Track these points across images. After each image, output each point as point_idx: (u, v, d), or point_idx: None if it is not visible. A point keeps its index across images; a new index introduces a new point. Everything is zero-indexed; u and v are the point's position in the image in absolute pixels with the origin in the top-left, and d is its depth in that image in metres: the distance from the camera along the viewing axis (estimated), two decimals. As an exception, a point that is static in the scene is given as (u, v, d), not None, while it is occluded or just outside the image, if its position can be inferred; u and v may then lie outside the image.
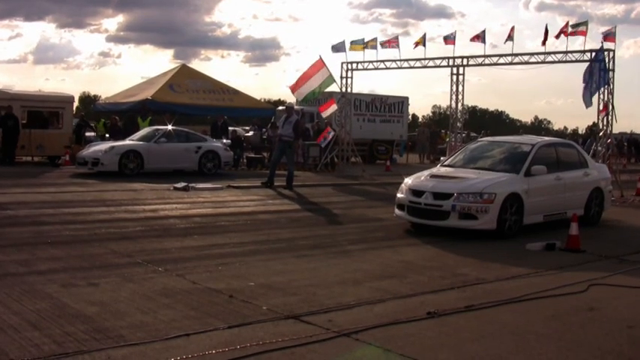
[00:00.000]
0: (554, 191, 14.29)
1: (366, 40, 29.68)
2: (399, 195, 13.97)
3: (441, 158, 16.26)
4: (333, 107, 28.69)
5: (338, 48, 29.75)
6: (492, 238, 12.73)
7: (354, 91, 32.41)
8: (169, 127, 25.57)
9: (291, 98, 31.05)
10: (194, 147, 24.51)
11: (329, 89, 28.17)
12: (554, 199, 14.29)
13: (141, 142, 23.77)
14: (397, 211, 13.96)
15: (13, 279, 8.38)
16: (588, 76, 21.43)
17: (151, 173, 22.57)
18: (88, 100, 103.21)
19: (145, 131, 25.37)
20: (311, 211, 16.29)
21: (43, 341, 6.09)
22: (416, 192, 13.41)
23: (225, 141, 27.35)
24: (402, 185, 14.04)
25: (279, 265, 9.94)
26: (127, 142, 24.29)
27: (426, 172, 14.39)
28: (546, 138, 17.32)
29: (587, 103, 21.36)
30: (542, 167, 13.81)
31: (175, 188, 18.83)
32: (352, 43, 29.81)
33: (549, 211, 14.22)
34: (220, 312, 7.29)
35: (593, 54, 22.49)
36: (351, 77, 30.47)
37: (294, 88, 26.37)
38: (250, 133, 34.64)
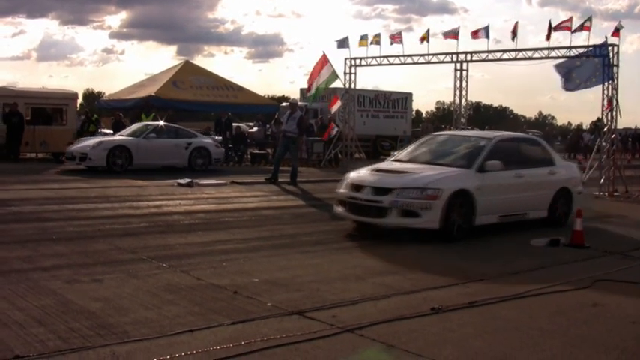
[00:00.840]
0: (513, 190, 13.04)
1: (369, 36, 29.69)
2: (339, 190, 12.90)
3: (393, 153, 15.25)
4: (338, 103, 28.76)
5: (342, 44, 29.78)
6: (495, 233, 12.65)
7: (358, 86, 32.43)
8: (161, 122, 25.53)
9: (294, 94, 31.14)
10: (184, 143, 24.46)
11: (333, 85, 28.25)
12: (513, 199, 13.08)
13: (130, 138, 23.75)
14: (336, 208, 12.92)
15: (18, 275, 8.39)
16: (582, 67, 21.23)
17: (145, 170, 22.56)
18: (92, 96, 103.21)
19: (135, 127, 25.41)
20: (315, 207, 16.29)
21: (48, 337, 6.11)
22: (356, 187, 12.38)
23: (216, 137, 27.27)
24: (344, 180, 13.01)
25: (283, 261, 9.94)
26: (116, 137, 24.35)
27: (372, 166, 13.48)
28: (508, 133, 16.38)
29: (570, 86, 21.03)
30: (496, 163, 12.53)
31: (179, 184, 18.86)
32: (361, 38, 29.88)
33: (506, 212, 13.04)
34: (224, 308, 7.30)
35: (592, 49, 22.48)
36: (355, 73, 30.48)
37: (308, 90, 26.58)
38: (254, 130, 34.64)
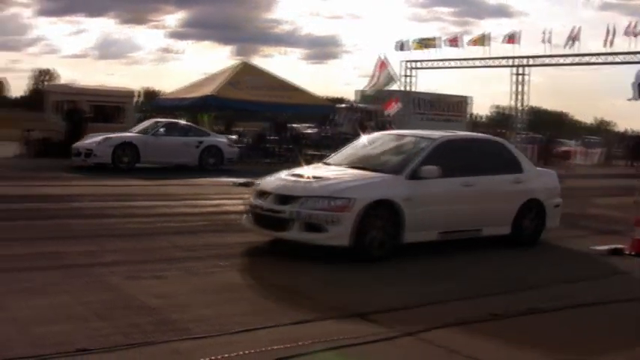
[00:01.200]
0: (460, 201, 10.96)
1: (427, 39, 29.65)
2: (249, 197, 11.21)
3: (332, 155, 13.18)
4: (397, 105, 28.73)
5: (399, 46, 29.80)
6: (523, 245, 11.72)
7: (413, 89, 32.35)
8: (181, 121, 25.60)
9: (350, 95, 31.24)
10: (195, 141, 24.01)
11: (392, 87, 28.25)
12: (459, 211, 10.97)
13: (138, 134, 23.41)
14: (244, 217, 11.17)
15: (80, 270, 8.52)
16: None
17: (153, 168, 22.59)
18: (151, 95, 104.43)
19: (145, 123, 25.11)
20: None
21: (110, 332, 6.18)
22: (262, 193, 10.58)
23: (231, 137, 26.91)
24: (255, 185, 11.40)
25: (345, 262, 9.81)
26: (124, 133, 23.90)
27: (290, 170, 11.47)
28: (461, 132, 14.07)
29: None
30: (433, 168, 10.40)
31: (237, 184, 18.97)
32: (414, 41, 29.84)
33: (450, 227, 10.96)
34: (284, 308, 7.31)
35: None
36: (415, 76, 30.43)
37: (373, 85, 26.62)
38: (310, 130, 34.69)
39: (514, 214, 11.71)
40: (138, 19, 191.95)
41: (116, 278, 8.19)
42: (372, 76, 27.18)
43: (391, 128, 29.18)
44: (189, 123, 26.59)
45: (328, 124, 32.50)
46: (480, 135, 13.82)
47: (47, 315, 6.63)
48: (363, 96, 29.31)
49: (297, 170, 11.34)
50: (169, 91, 41.57)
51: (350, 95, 39.70)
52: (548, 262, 10.90)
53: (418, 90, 35.20)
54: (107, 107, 29.24)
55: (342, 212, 9.61)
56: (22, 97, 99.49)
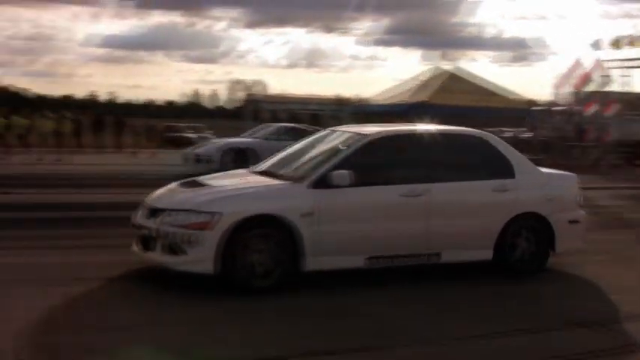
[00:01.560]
0: (400, 215, 8.22)
1: (624, 37, 28.91)
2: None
3: None
4: (614, 107, 27.88)
5: (597, 46, 29.19)
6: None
7: (609, 89, 31.35)
8: (300, 125, 25.34)
9: (545, 98, 30.79)
10: None
11: (605, 89, 27.55)
12: (399, 230, 8.18)
13: (257, 140, 23.07)
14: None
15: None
16: None
17: None
18: (345, 102, 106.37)
19: (263, 128, 24.90)
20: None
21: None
22: (140, 207, 8.44)
23: None
24: None
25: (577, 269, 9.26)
26: (239, 139, 23.86)
27: (196, 177, 9.24)
28: (421, 126, 10.22)
29: None
30: (343, 173, 7.81)
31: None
32: (612, 40, 29.14)
33: (385, 251, 8.19)
34: (506, 315, 7.15)
35: None
36: (631, 76, 29.53)
37: (577, 86, 26.04)
38: (527, 134, 34.13)
39: (497, 234, 8.70)
40: (330, 27, 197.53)
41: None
42: (568, 77, 26.62)
43: (602, 132, 28.18)
44: (304, 127, 25.91)
45: (530, 128, 31.87)
46: (452, 129, 9.97)
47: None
48: (578, 98, 28.46)
49: (199, 178, 9.17)
50: (366, 97, 42.40)
51: (545, 98, 38.82)
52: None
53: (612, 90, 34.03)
54: (311, 115, 30.36)
55: (202, 230, 7.50)
56: (235, 108, 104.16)
